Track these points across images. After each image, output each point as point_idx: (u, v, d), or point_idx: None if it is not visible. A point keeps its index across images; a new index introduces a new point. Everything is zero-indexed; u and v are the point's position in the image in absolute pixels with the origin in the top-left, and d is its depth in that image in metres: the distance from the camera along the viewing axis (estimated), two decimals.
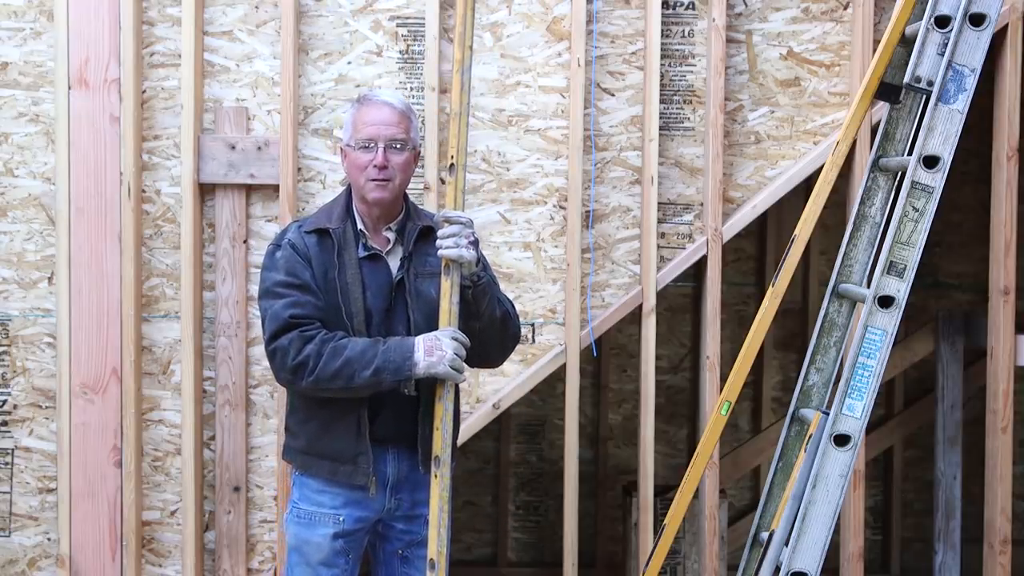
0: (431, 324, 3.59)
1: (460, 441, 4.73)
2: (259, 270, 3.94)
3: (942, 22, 3.66)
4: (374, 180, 3.54)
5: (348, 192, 3.65)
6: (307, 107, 4.74)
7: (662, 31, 4.75)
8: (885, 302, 3.60)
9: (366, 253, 3.58)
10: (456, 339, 3.45)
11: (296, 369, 3.45)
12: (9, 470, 4.80)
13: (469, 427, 4.79)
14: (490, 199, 4.79)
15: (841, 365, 3.89)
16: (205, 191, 4.73)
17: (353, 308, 3.53)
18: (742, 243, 6.56)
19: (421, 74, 4.74)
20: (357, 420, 3.53)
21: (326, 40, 4.75)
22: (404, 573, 3.74)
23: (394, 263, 3.62)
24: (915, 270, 3.61)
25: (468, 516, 6.76)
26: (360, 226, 3.60)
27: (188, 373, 4.69)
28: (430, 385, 3.59)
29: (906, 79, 3.69)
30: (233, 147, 4.69)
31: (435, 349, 3.43)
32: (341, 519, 3.59)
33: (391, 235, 3.63)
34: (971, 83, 3.64)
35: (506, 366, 4.78)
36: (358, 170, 3.56)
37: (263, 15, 4.72)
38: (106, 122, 4.68)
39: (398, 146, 3.53)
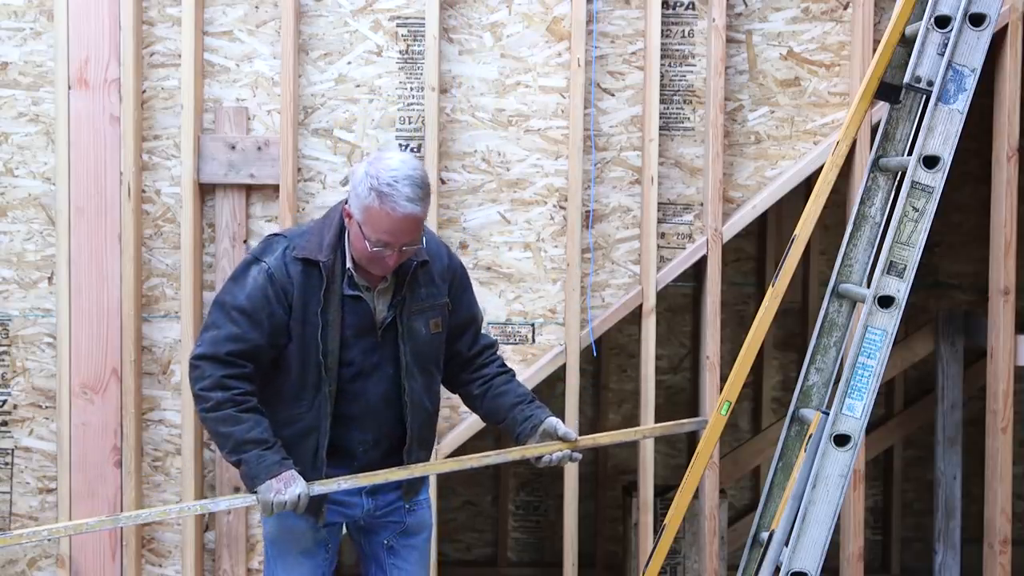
0: (419, 362, 3.59)
1: (460, 442, 4.77)
2: None
3: (942, 22, 3.66)
4: (377, 271, 3.47)
5: (342, 218, 3.52)
6: (307, 107, 4.74)
7: (662, 31, 4.75)
8: (885, 302, 3.60)
9: (351, 292, 3.50)
10: (298, 499, 3.38)
11: (197, 398, 3.45)
12: (9, 470, 4.80)
13: (469, 427, 4.80)
14: (490, 199, 4.79)
15: (841, 365, 3.90)
16: (205, 191, 4.73)
17: (330, 346, 3.47)
18: (742, 243, 6.56)
19: (421, 74, 4.74)
20: (315, 451, 3.52)
21: (326, 40, 4.75)
22: (391, 564, 3.74)
23: (384, 302, 3.55)
24: (915, 270, 3.61)
25: (468, 516, 6.76)
26: (349, 264, 3.49)
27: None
28: (420, 421, 3.61)
29: (906, 79, 3.69)
30: (233, 147, 4.69)
31: (284, 482, 3.38)
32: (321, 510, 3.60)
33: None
34: (971, 83, 3.64)
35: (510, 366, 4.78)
36: (364, 254, 3.43)
37: (263, 15, 4.72)
38: (106, 122, 4.68)
39: (413, 246, 3.44)
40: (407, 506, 3.72)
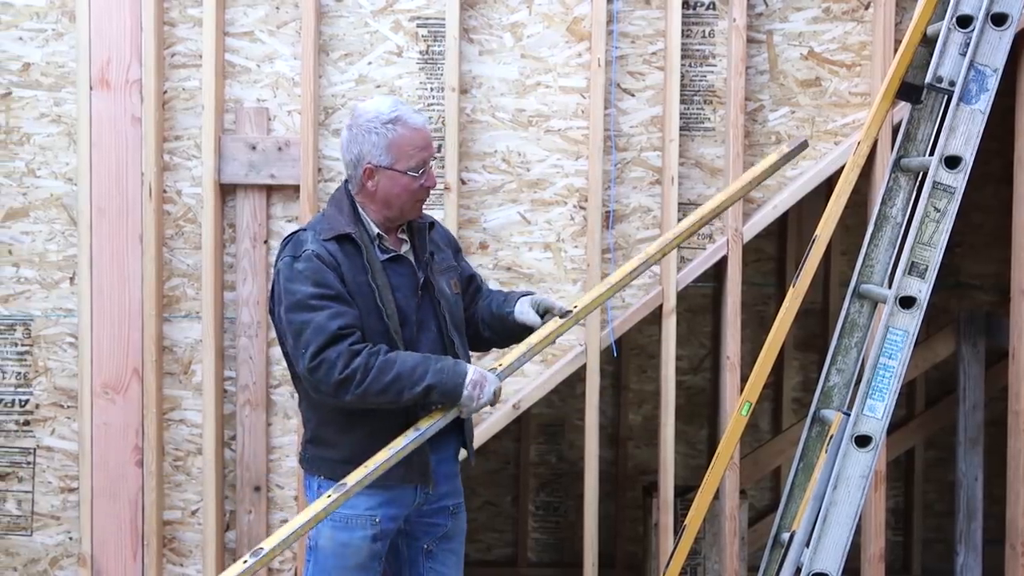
0: (454, 321, 3.68)
1: (480, 441, 4.77)
2: None
3: (964, 22, 3.64)
4: (422, 200, 3.62)
5: (348, 195, 3.62)
6: (327, 108, 4.75)
7: (682, 31, 4.74)
8: (906, 303, 3.59)
9: (386, 256, 3.59)
10: (496, 391, 3.50)
11: (342, 383, 3.40)
12: (31, 469, 4.82)
13: (489, 427, 4.80)
14: (510, 199, 4.79)
15: (862, 366, 3.88)
16: (226, 191, 4.74)
17: (390, 309, 3.53)
18: (762, 243, 6.55)
19: (441, 75, 4.74)
20: (406, 423, 3.52)
21: (346, 41, 4.75)
22: (430, 568, 3.76)
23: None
24: (936, 271, 3.60)
25: (488, 516, 6.76)
26: (377, 230, 3.60)
27: (209, 373, 4.71)
28: None
29: (928, 79, 3.68)
30: (254, 148, 4.70)
31: (479, 386, 3.46)
32: (377, 520, 3.59)
33: (404, 235, 3.66)
34: (993, 83, 3.62)
35: (527, 367, 4.77)
36: (407, 192, 3.57)
37: (284, 16, 4.73)
38: (127, 123, 4.70)
39: (433, 160, 3.63)
40: (451, 507, 3.74)
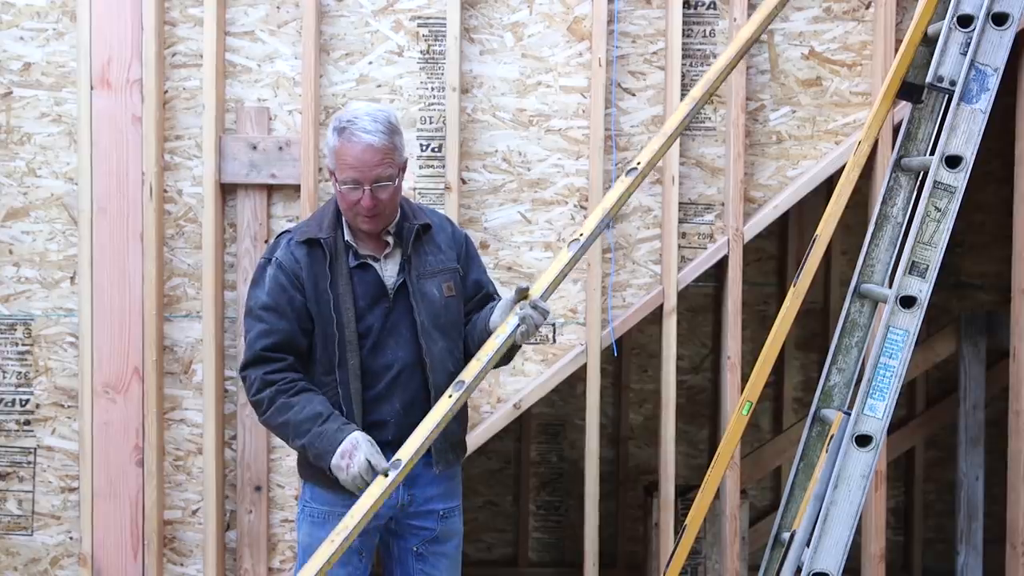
0: (436, 324, 3.65)
1: (481, 441, 4.76)
2: None
3: (965, 21, 3.64)
4: (364, 216, 3.55)
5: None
6: (328, 107, 4.75)
7: (683, 31, 4.74)
8: (907, 302, 3.58)
9: (356, 263, 3.60)
10: (370, 460, 3.41)
11: (254, 405, 3.60)
12: (32, 469, 4.82)
13: (490, 427, 4.79)
14: (511, 199, 4.79)
15: (863, 365, 3.88)
16: (226, 191, 4.74)
17: (345, 318, 3.56)
18: (763, 243, 6.55)
19: (442, 74, 4.74)
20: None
21: (347, 40, 4.75)
22: (420, 570, 3.75)
23: (393, 266, 3.64)
24: (937, 270, 3.60)
25: (489, 516, 6.76)
26: (348, 237, 3.61)
27: (210, 372, 4.70)
28: (444, 382, 3.61)
29: (928, 78, 3.67)
30: (254, 147, 4.70)
31: (347, 456, 3.42)
32: None
33: (389, 238, 3.65)
34: (994, 82, 3.62)
35: (527, 366, 4.79)
36: (344, 203, 3.56)
37: (284, 15, 4.73)
38: (128, 122, 4.70)
39: (385, 183, 3.51)
40: (441, 512, 3.73)
